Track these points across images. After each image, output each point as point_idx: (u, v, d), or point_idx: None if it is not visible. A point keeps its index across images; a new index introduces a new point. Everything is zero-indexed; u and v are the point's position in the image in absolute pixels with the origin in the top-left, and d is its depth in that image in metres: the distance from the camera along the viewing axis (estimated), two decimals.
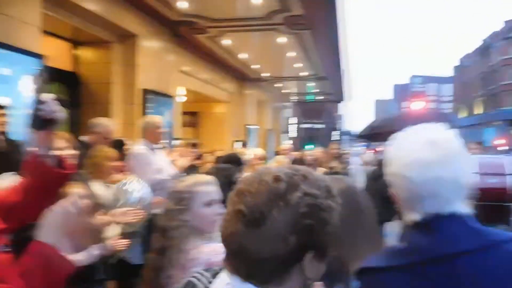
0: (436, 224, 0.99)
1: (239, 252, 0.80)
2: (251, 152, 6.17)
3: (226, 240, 0.83)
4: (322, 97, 16.22)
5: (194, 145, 6.75)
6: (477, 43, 62.18)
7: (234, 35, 8.14)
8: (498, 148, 36.84)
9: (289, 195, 0.78)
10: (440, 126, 1.07)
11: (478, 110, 57.19)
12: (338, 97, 19.52)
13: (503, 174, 6.20)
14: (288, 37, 8.13)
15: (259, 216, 0.77)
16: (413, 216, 1.03)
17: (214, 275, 0.91)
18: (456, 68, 70.46)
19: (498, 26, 53.88)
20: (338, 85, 15.62)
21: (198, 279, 0.95)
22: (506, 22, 51.95)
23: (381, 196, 1.45)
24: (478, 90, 56.99)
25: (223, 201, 2.84)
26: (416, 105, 15.48)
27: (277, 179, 0.80)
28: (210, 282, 0.90)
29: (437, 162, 0.98)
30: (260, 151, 6.30)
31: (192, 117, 11.44)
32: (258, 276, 0.80)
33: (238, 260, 0.81)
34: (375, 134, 6.40)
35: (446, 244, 0.96)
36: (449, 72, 77.34)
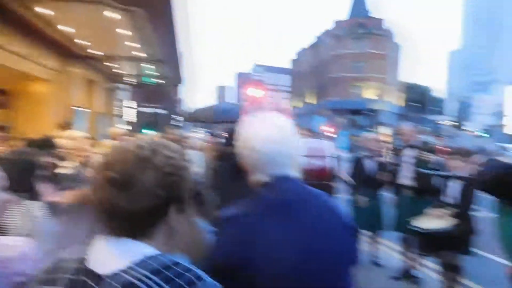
0: (276, 182, 1.42)
1: (113, 211, 0.95)
2: (73, 136, 5.69)
3: (99, 205, 0.96)
4: (160, 80, 15.86)
5: (1, 128, 5.95)
6: (312, 39, 69.15)
7: (53, 4, 7.34)
8: (326, 134, 41.79)
9: (153, 159, 0.97)
10: (280, 115, 1.51)
11: (311, 100, 63.86)
12: (177, 81, 19.44)
13: (323, 156, 7.10)
14: (120, 13, 7.67)
15: (130, 179, 0.94)
16: (261, 177, 1.45)
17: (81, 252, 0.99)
18: (294, 61, 77.37)
19: (329, 25, 60.72)
20: (177, 68, 15.53)
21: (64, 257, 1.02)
22: (336, 22, 58.99)
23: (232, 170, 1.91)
24: (311, 82, 63.59)
25: (24, 187, 2.56)
26: (255, 93, 16.43)
27: (140, 147, 0.99)
28: (83, 257, 0.97)
29: (279, 140, 1.42)
30: (82, 135, 5.86)
31: (3, 96, 10.01)
32: (132, 230, 0.97)
33: (112, 219, 0.96)
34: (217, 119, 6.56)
35: (283, 195, 1.40)
36: (288, 64, 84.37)
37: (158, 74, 14.61)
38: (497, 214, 2.97)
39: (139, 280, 0.89)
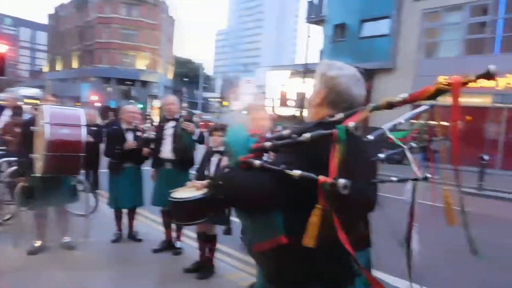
0: None
1: None
2: None
3: None
4: None
5: None
6: None
7: None
8: (95, 104, 39.88)
9: None
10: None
11: (75, 64, 59.35)
12: None
13: (78, 126, 6.47)
14: None
15: None
16: None
17: None
18: (51, 17, 69.58)
19: None
20: None
21: None
22: None
23: None
24: (75, 44, 58.84)
25: None
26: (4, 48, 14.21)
27: None
28: None
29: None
30: None
31: None
32: None
33: None
34: None
35: None
36: (45, 19, 75.64)
37: None
38: None
39: None
